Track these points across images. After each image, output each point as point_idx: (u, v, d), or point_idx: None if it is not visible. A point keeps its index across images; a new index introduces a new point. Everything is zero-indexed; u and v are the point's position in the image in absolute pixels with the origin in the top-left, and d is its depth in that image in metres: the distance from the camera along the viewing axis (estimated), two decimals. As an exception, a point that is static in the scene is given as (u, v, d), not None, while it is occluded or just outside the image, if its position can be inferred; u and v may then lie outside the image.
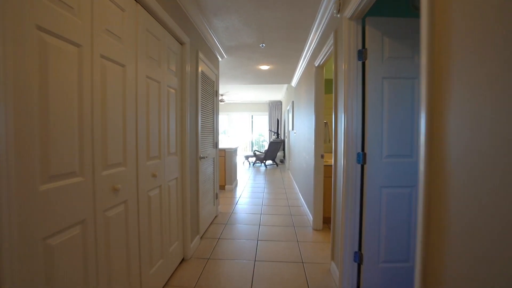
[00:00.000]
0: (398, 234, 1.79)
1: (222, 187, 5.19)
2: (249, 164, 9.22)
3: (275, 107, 12.44)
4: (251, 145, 13.31)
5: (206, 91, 3.13)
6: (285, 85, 8.70)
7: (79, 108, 1.08)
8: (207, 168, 3.12)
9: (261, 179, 6.54)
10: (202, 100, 2.96)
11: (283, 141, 9.45)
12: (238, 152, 13.34)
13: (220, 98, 11.21)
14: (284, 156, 9.72)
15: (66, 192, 1.00)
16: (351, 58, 1.85)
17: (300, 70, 4.54)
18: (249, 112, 12.89)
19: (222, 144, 14.54)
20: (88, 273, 1.14)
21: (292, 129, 5.98)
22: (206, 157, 3.04)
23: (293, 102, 5.99)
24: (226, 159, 5.14)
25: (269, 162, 9.46)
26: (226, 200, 4.42)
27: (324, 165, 3.06)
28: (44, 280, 0.92)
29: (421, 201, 0.97)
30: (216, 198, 3.56)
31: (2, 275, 0.76)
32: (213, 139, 3.47)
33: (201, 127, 2.87)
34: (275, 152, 8.57)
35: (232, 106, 12.80)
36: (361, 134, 1.85)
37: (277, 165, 8.72)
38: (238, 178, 6.53)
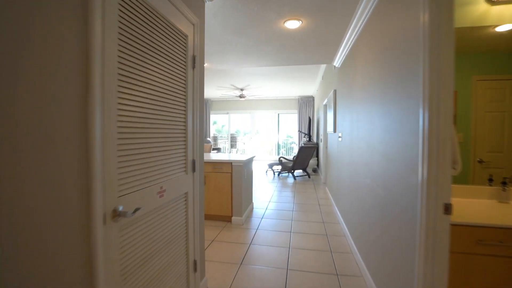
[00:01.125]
0: None
1: (226, 219, 3.48)
2: (274, 174, 7.42)
3: (306, 103, 10.52)
4: (277, 148, 11.49)
5: (163, 51, 1.43)
6: (319, 76, 6.81)
7: None
8: (156, 228, 1.41)
9: (288, 200, 4.73)
10: (152, 70, 1.28)
11: (317, 146, 7.53)
12: (261, 157, 11.63)
13: (240, 93, 9.57)
14: (317, 165, 7.79)
15: None
16: None
17: (358, 29, 2.67)
18: (275, 110, 11.09)
19: (244, 148, 12.96)
20: None
21: (334, 131, 4.08)
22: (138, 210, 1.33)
23: (335, 92, 4.10)
24: (233, 177, 3.42)
25: (298, 171, 7.59)
26: (226, 253, 2.66)
27: (453, 225, 1.19)
28: None
29: None
30: (195, 269, 1.83)
31: None
32: (187, 155, 1.75)
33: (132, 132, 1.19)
34: (306, 159, 6.69)
35: (254, 103, 11.09)
36: None
37: (309, 176, 6.83)
38: (255, 199, 4.78)
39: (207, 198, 3.45)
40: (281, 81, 7.87)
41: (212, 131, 12.35)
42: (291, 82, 8.02)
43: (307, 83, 8.10)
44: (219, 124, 21.02)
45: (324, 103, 5.67)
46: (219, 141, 12.62)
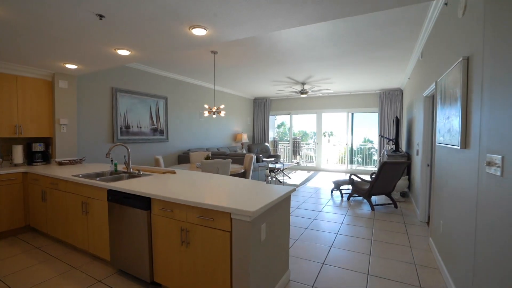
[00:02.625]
0: None
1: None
2: (342, 196, 5.38)
3: (390, 99, 7.97)
4: (349, 155, 9.19)
5: None
6: (414, 56, 4.47)
7: None
8: None
9: (357, 260, 2.79)
10: None
11: (408, 159, 5.16)
12: (329, 166, 9.39)
13: (300, 89, 7.72)
14: (409, 187, 5.38)
15: None
16: None
17: None
18: (347, 109, 8.84)
19: (310, 155, 10.96)
20: None
21: (463, 144, 1.95)
22: None
23: (466, 62, 1.98)
24: (234, 240, 1.72)
25: (373, 195, 5.34)
26: None
27: None
28: None
29: None
30: None
31: None
32: None
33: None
34: (392, 181, 4.47)
35: (321, 101, 9.06)
36: None
37: (395, 206, 4.57)
38: (300, 251, 2.97)
39: (195, 269, 1.87)
40: (354, 69, 5.76)
41: (272, 134, 10.83)
42: (368, 70, 5.82)
43: (393, 69, 5.76)
44: (285, 126, 19.40)
45: (427, 93, 3.43)
46: (279, 146, 11.00)
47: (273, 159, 8.85)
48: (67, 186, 2.84)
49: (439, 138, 2.64)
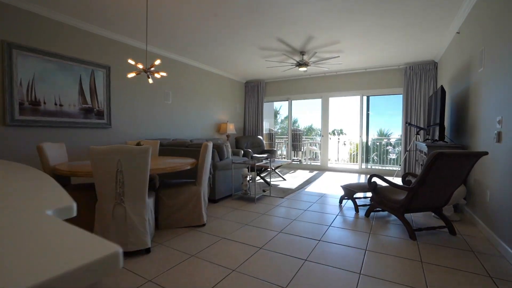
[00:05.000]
0: None
1: None
2: (357, 210, 3.48)
3: (419, 75, 5.99)
4: (365, 152, 7.24)
5: None
6: (464, 6, 2.57)
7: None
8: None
9: None
10: None
11: (479, 153, 3.19)
12: (339, 165, 7.40)
13: (299, 59, 5.75)
14: (465, 197, 3.38)
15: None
16: None
17: None
18: (360, 91, 6.90)
19: (315, 151, 8.91)
20: None
21: None
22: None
23: None
24: None
25: (411, 211, 3.38)
26: None
27: None
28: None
29: None
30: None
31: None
32: None
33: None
34: (450, 185, 2.54)
35: (326, 81, 7.13)
36: None
37: (452, 232, 2.62)
38: None
39: None
40: (369, 31, 3.85)
41: (267, 125, 8.97)
42: (388, 34, 3.90)
43: (429, 30, 3.80)
44: (280, 115, 17.44)
45: None
46: (277, 140, 9.12)
47: (265, 155, 6.97)
48: None
49: None
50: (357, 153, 9.56)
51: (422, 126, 5.92)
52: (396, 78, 6.39)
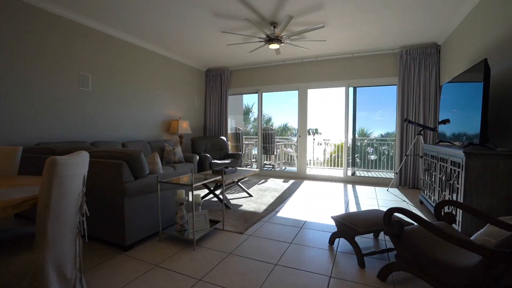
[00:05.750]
0: None
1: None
2: (361, 264, 2.06)
3: (418, 60, 4.73)
4: (351, 154, 6.00)
5: None
6: None
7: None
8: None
9: None
10: None
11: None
12: (318, 172, 6.01)
13: (270, 33, 4.18)
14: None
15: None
16: None
17: None
18: (344, 81, 5.62)
19: (292, 154, 7.31)
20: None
21: None
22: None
23: None
24: None
25: None
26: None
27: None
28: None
29: None
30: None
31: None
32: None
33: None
34: None
35: (304, 68, 5.75)
36: None
37: None
38: None
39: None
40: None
41: (232, 123, 7.51)
42: (380, 5, 2.60)
43: (429, 5, 2.55)
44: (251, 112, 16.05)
45: None
46: (246, 141, 7.67)
47: (228, 161, 5.47)
48: None
49: None
50: (339, 155, 8.36)
51: (421, 123, 4.73)
52: (387, 65, 5.17)
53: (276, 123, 14.92)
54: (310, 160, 8.06)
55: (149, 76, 5.08)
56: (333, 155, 9.16)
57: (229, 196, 4.15)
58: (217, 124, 6.60)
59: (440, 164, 2.92)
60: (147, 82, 5.05)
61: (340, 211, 3.45)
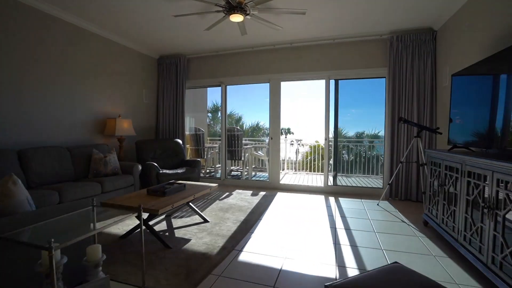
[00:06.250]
0: None
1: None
2: None
3: (411, 48, 3.82)
4: (333, 158, 5.14)
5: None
6: None
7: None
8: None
9: None
10: None
11: None
12: (295, 181, 5.07)
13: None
14: None
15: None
16: None
17: None
18: (325, 72, 4.69)
19: (261, 157, 5.86)
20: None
21: None
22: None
23: None
24: None
25: None
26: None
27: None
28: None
29: None
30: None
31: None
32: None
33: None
34: None
35: (277, 56, 4.65)
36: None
37: None
38: None
39: None
40: None
41: (191, 123, 6.39)
42: None
43: None
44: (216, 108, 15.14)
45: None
46: (206, 144, 6.56)
47: (182, 170, 4.33)
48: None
49: None
50: (315, 157, 7.53)
51: (416, 122, 3.94)
52: (377, 54, 4.34)
53: (248, 122, 13.88)
54: (283, 160, 7.13)
55: (76, 60, 3.78)
56: (308, 158, 8.33)
57: (176, 223, 3.02)
58: (172, 123, 5.40)
59: (470, 182, 2.05)
60: (73, 68, 3.74)
61: (328, 246, 2.48)
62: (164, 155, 4.69)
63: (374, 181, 5.69)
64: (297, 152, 10.32)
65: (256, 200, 4.08)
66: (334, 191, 4.66)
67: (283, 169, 7.05)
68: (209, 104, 10.74)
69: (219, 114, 15.35)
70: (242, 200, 4.06)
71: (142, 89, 5.15)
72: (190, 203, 3.12)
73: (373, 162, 6.33)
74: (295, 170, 7.38)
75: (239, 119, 13.89)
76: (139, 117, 5.06)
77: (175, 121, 5.37)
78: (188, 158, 5.78)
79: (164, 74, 5.44)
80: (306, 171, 7.40)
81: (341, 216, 3.34)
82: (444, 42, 3.69)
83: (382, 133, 7.76)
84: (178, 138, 5.19)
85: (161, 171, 4.04)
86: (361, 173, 6.34)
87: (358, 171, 6.38)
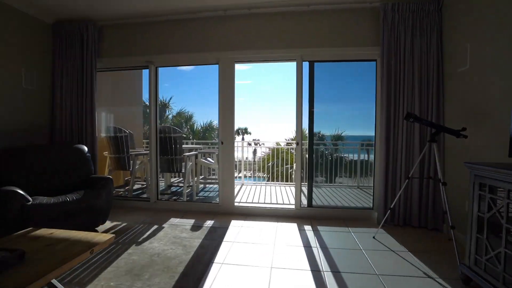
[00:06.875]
0: None
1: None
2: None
3: (410, 22, 2.81)
4: (307, 164, 3.88)
5: None
6: None
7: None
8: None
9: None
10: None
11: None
12: (255, 198, 3.43)
13: None
14: None
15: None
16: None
17: None
18: (293, 51, 3.34)
19: (207, 163, 4.27)
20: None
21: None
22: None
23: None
24: None
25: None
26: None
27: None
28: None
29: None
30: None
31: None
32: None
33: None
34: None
35: (227, 26, 3.29)
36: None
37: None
38: None
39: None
40: None
41: (110, 121, 4.75)
42: None
43: None
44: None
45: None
46: (143, 149, 4.90)
47: (77, 195, 2.67)
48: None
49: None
50: (278, 163, 6.30)
51: (424, 119, 2.86)
52: (366, 28, 3.20)
53: (200, 121, 12.18)
54: (238, 161, 5.77)
55: None
56: (269, 163, 7.09)
57: None
58: (76, 122, 3.65)
59: None
60: None
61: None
62: (57, 170, 2.97)
63: (358, 195, 4.64)
64: (254, 153, 9.07)
65: (197, 240, 2.63)
66: (310, 215, 3.40)
67: (240, 172, 5.69)
68: (146, 95, 8.80)
69: (167, 112, 13.32)
70: (175, 242, 2.57)
71: (21, 68, 3.32)
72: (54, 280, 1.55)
73: (351, 166, 5.33)
74: (254, 178, 6.07)
75: (190, 117, 12.16)
76: (15, 111, 3.23)
77: (80, 117, 3.63)
78: (105, 171, 4.09)
79: (63, 49, 3.66)
80: (269, 181, 6.13)
81: (331, 271, 2.07)
82: (452, 14, 2.67)
83: (344, 134, 6.84)
84: (84, 143, 3.48)
85: (30, 202, 2.35)
86: (333, 182, 5.27)
87: (333, 179, 5.29)
